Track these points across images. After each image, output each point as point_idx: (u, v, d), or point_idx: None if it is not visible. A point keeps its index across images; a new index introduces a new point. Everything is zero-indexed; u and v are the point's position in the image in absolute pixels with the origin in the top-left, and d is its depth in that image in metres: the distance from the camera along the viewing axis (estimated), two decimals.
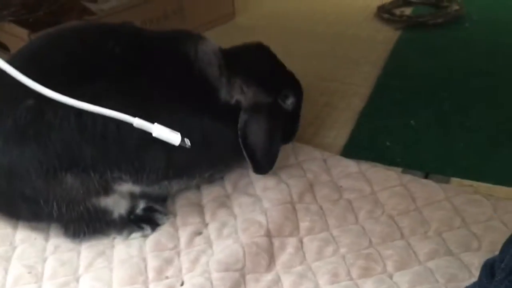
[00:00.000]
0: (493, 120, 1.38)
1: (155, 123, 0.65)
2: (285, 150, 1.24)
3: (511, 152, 1.25)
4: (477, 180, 1.16)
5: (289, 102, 1.17)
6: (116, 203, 1.05)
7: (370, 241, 1.01)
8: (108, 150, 0.98)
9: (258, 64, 1.16)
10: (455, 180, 1.17)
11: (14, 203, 1.02)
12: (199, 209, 1.13)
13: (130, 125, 0.71)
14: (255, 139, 1.10)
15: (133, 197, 1.09)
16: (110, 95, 0.95)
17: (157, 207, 1.12)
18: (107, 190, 1.01)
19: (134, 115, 0.72)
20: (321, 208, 1.10)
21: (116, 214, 1.05)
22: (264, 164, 1.14)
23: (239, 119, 1.09)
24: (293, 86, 1.19)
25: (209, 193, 1.17)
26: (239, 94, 1.10)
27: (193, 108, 1.06)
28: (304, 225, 1.05)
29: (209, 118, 1.08)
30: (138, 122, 0.63)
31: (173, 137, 0.66)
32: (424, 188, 1.12)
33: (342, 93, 1.54)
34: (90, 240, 1.05)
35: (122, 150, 0.99)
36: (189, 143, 0.67)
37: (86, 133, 0.96)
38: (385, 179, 1.15)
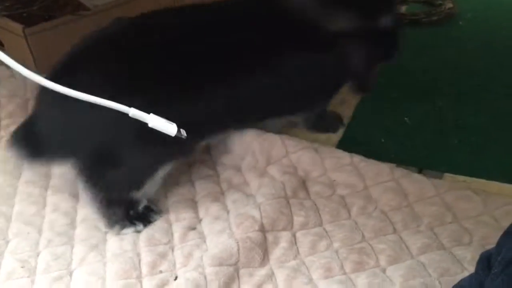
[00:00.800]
0: (486, 117, 1.39)
1: (151, 114, 0.65)
2: (277, 146, 1.24)
3: (504, 148, 1.26)
4: (471, 176, 1.17)
5: (387, 21, 1.16)
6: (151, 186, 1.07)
7: (363, 236, 1.02)
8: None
9: None
10: (448, 176, 1.17)
11: (78, 152, 1.00)
12: (193, 204, 1.13)
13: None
14: (355, 64, 1.12)
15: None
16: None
17: (153, 207, 1.11)
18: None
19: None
20: (314, 203, 1.10)
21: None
22: (365, 85, 1.20)
23: (340, 46, 1.10)
24: (388, 3, 1.19)
25: (203, 189, 1.17)
26: (337, 21, 1.10)
27: (299, 47, 1.07)
28: (298, 219, 1.05)
29: (316, 50, 1.08)
30: (133, 112, 0.63)
31: (169, 128, 0.65)
32: (416, 184, 1.12)
33: None
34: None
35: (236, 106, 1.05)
36: (185, 134, 0.66)
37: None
38: (378, 174, 1.15)
